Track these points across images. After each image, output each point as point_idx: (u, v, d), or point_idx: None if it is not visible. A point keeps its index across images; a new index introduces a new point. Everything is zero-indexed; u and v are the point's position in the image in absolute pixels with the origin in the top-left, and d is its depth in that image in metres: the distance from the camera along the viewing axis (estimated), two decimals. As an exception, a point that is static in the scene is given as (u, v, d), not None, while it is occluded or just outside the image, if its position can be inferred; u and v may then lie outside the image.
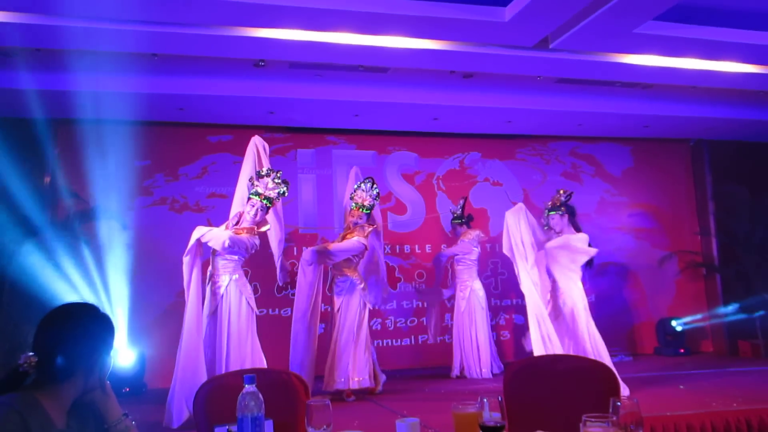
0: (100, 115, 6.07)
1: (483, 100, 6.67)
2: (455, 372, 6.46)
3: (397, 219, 7.61)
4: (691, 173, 8.62)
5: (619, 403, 1.59)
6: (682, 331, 7.85)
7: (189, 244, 4.72)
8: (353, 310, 5.55)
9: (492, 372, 6.36)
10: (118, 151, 6.34)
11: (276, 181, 4.85)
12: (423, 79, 6.23)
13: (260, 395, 1.77)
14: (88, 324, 1.74)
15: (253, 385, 1.78)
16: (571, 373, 2.49)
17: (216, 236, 4.69)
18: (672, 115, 7.31)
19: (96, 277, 6.09)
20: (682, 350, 7.68)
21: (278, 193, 4.87)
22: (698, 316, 8.05)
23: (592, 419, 1.51)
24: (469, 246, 6.60)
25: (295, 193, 7.29)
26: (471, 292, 6.52)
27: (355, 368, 5.40)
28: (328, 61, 5.49)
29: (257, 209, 4.79)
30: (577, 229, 5.12)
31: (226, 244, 4.62)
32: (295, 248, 7.16)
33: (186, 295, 4.68)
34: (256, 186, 4.83)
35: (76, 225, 6.05)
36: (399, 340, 7.41)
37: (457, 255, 6.61)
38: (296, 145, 7.39)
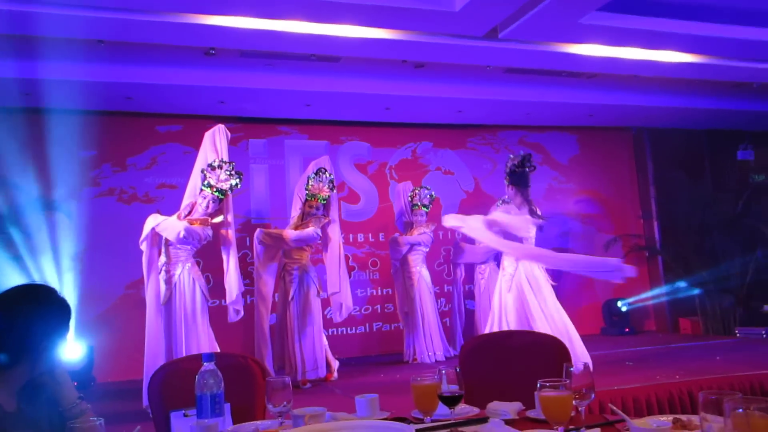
0: (44, 103, 5.89)
1: (434, 90, 6.75)
2: (407, 357, 6.55)
3: (351, 208, 7.64)
4: (633, 160, 8.94)
5: (572, 369, 1.67)
6: (627, 312, 8.17)
7: (144, 232, 4.67)
8: (307, 299, 5.58)
9: (445, 356, 6.48)
10: (63, 141, 6.17)
11: (228, 172, 4.83)
12: (375, 69, 6.27)
13: (219, 373, 1.79)
14: (40, 307, 1.71)
15: (212, 363, 1.79)
16: (525, 347, 2.58)
17: (171, 226, 4.66)
18: (615, 104, 7.57)
19: (41, 270, 5.92)
20: (627, 329, 7.99)
21: (231, 185, 4.86)
22: (641, 296, 8.38)
23: (547, 384, 1.58)
24: (429, 237, 6.71)
25: (247, 183, 7.22)
26: (420, 278, 6.60)
27: (311, 357, 5.44)
28: (280, 50, 5.46)
29: (209, 201, 4.79)
30: (525, 199, 5.19)
31: (181, 235, 4.59)
32: (247, 239, 7.10)
33: (145, 284, 4.64)
34: (209, 178, 4.80)
35: (19, 217, 5.85)
36: (353, 328, 7.46)
37: (419, 245, 6.67)
38: (248, 135, 7.32)
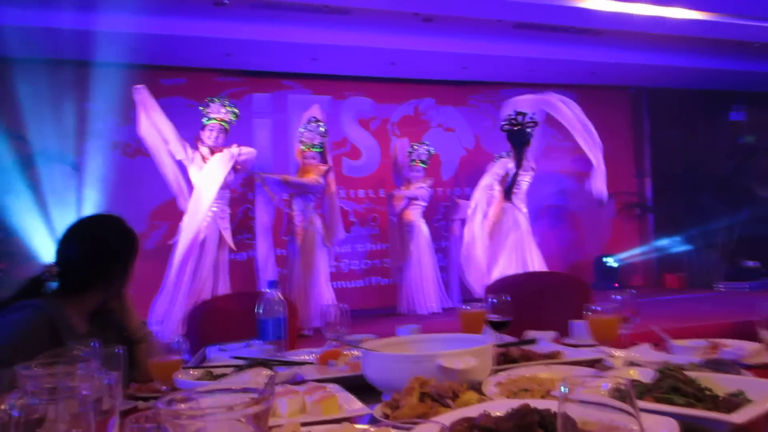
0: (48, 54, 5.82)
1: (440, 45, 6.75)
2: (402, 309, 6.71)
3: (352, 164, 7.68)
4: (630, 119, 9.05)
5: (618, 297, 1.78)
6: (616, 267, 8.39)
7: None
8: (312, 249, 5.71)
9: (441, 307, 6.64)
10: (67, 93, 6.11)
11: (226, 105, 5.09)
12: (383, 22, 6.23)
13: (282, 299, 1.88)
14: (110, 236, 1.79)
15: (275, 290, 1.88)
16: (548, 287, 2.70)
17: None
18: (617, 62, 7.63)
19: (47, 222, 5.94)
20: (615, 284, 8.21)
21: (234, 113, 5.07)
22: (632, 253, 8.60)
23: (596, 307, 1.69)
24: (426, 191, 6.81)
25: (250, 138, 7.23)
26: (419, 232, 6.73)
27: (317, 305, 5.58)
28: (293, 1, 5.42)
29: (216, 132, 4.96)
30: (518, 161, 5.47)
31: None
32: (249, 193, 7.12)
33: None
34: (208, 112, 4.93)
35: (24, 168, 5.84)
36: (352, 282, 7.59)
37: (417, 199, 6.77)
38: (252, 89, 7.29)
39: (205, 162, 5.18)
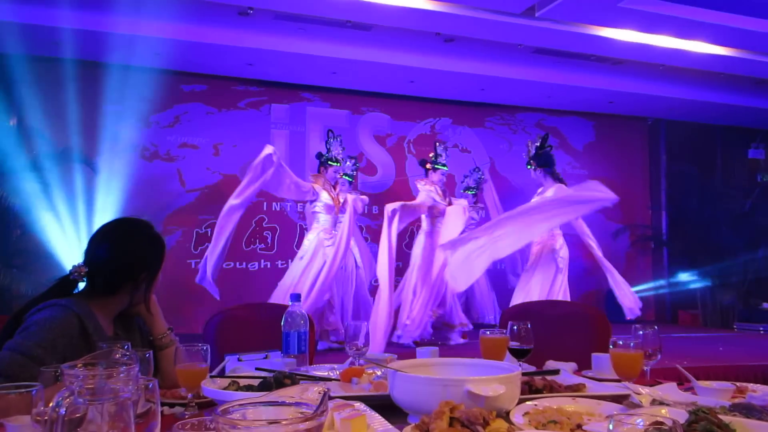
0: (72, 54, 5.88)
1: (460, 66, 6.78)
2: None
3: (368, 180, 7.69)
4: (647, 151, 9.03)
5: (641, 332, 1.75)
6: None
7: None
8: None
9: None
10: (88, 93, 6.16)
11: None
12: (405, 40, 6.28)
13: (305, 313, 1.87)
14: (139, 241, 1.78)
15: (299, 303, 1.87)
16: (567, 316, 2.67)
17: None
18: (635, 92, 7.63)
19: (64, 220, 5.96)
20: (628, 318, 8.11)
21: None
22: (644, 286, 8.52)
23: (620, 342, 1.67)
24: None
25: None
26: None
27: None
28: (315, 14, 5.46)
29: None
30: (557, 179, 5.38)
31: None
32: (264, 203, 7.15)
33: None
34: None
35: (44, 167, 5.87)
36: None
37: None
38: (271, 99, 7.34)
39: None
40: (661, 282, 8.67)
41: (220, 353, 2.36)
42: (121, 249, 1.75)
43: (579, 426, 1.16)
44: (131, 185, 6.44)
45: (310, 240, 5.63)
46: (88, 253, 1.76)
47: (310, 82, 7.26)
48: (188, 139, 6.94)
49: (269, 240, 7.11)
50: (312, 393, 0.77)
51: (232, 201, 5.12)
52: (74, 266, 1.74)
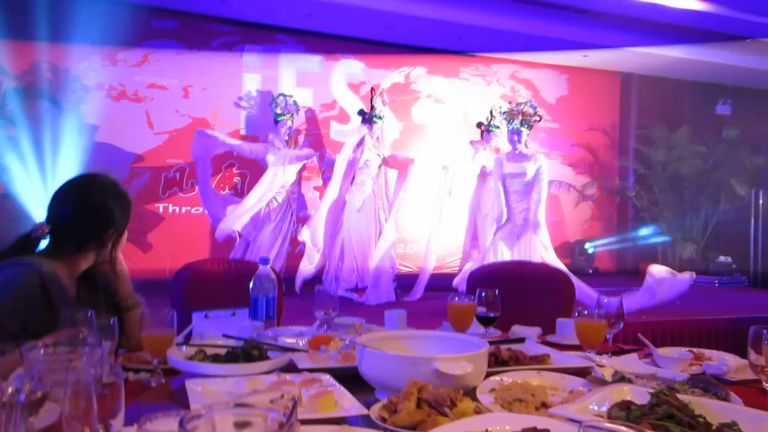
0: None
1: (439, 13, 6.63)
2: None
3: (340, 128, 7.59)
4: (618, 105, 9.07)
5: (605, 300, 1.79)
6: (593, 253, 8.51)
7: None
8: None
9: None
10: (54, 25, 5.87)
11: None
12: (382, -15, 6.11)
13: (274, 276, 1.86)
14: (104, 198, 1.73)
15: (267, 267, 1.86)
16: (534, 277, 2.72)
17: None
18: (610, 45, 7.60)
19: (25, 159, 5.79)
20: (590, 270, 8.34)
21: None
22: (609, 240, 8.72)
23: (584, 312, 1.71)
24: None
25: (238, 91, 7.11)
26: None
27: None
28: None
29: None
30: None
31: None
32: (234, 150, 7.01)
33: None
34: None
35: (7, 104, 5.64)
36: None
37: None
38: (244, 40, 7.11)
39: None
40: (625, 235, 8.88)
41: (187, 308, 2.36)
42: (86, 206, 1.70)
43: (544, 404, 1.20)
44: (98, 125, 6.26)
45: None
46: (51, 210, 1.70)
47: (284, 24, 7.05)
48: (157, 80, 6.71)
49: (239, 186, 7.01)
50: (283, 399, 0.77)
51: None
52: (36, 224, 1.68)
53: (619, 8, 6.19)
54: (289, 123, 6.50)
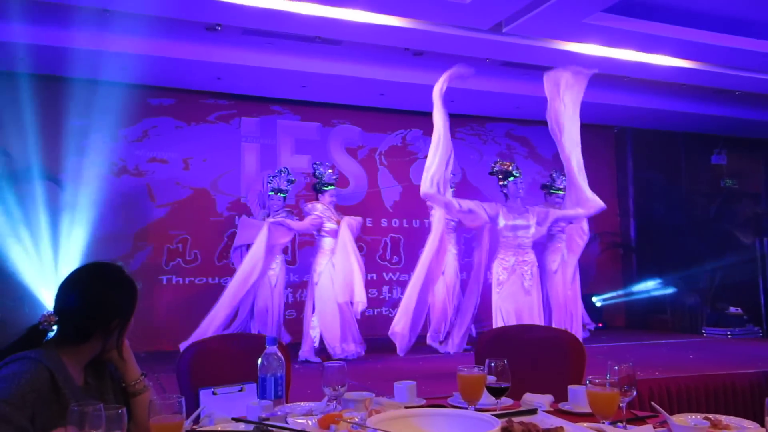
0: (35, 69, 5.76)
1: (429, 78, 6.75)
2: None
3: (340, 192, 7.65)
4: (614, 158, 9.18)
5: (616, 367, 1.77)
6: (601, 307, 8.43)
7: None
8: None
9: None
10: (54, 108, 6.02)
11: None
12: (374, 54, 6.26)
13: (281, 355, 1.85)
14: (110, 287, 1.74)
15: (275, 346, 1.85)
16: (542, 341, 2.69)
17: None
18: (601, 102, 7.74)
19: (30, 239, 5.82)
20: (600, 324, 8.24)
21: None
22: (616, 293, 8.65)
23: (596, 380, 1.68)
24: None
25: (237, 161, 7.22)
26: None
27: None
28: (285, 31, 5.43)
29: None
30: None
31: None
32: (236, 217, 7.07)
33: None
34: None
35: (7, 184, 5.72)
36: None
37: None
38: (240, 113, 7.27)
39: None
40: (631, 288, 8.81)
41: (194, 385, 2.33)
42: (92, 296, 1.71)
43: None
44: (100, 201, 6.32)
45: (322, 265, 5.90)
46: (58, 301, 1.71)
47: (279, 96, 7.21)
48: (157, 154, 6.83)
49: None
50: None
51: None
52: (43, 315, 1.69)
53: (606, 68, 6.33)
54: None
